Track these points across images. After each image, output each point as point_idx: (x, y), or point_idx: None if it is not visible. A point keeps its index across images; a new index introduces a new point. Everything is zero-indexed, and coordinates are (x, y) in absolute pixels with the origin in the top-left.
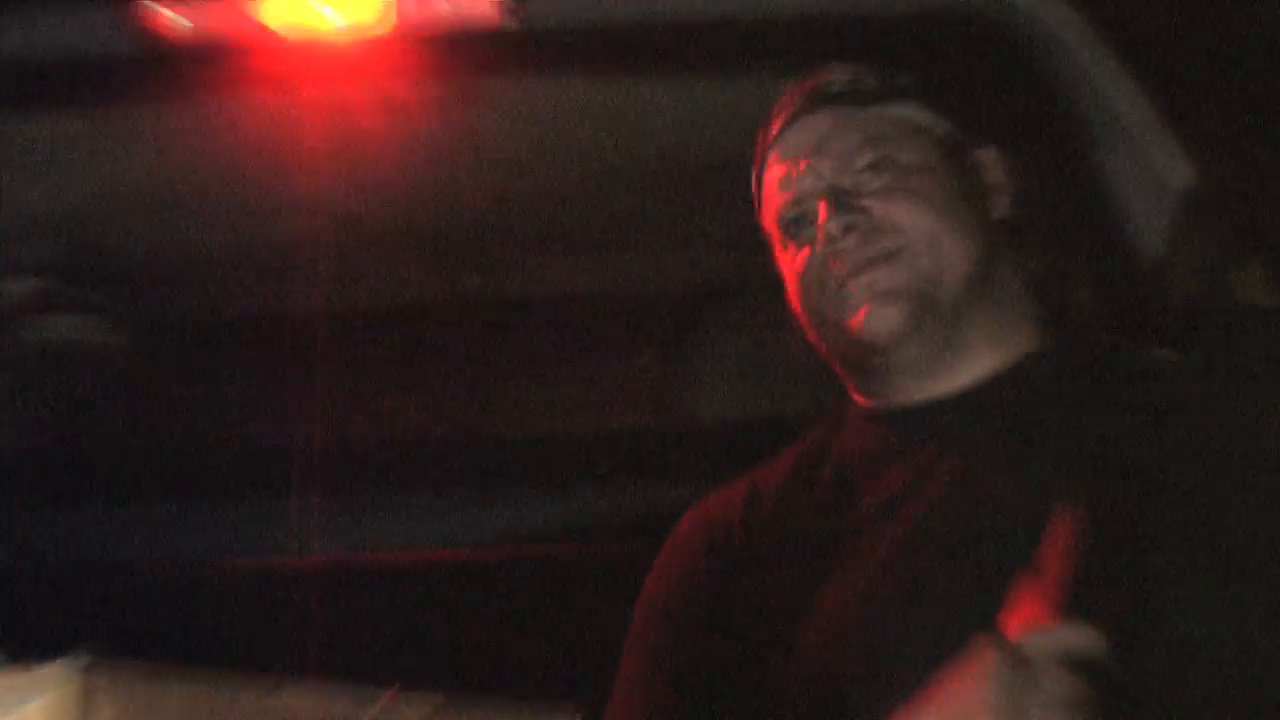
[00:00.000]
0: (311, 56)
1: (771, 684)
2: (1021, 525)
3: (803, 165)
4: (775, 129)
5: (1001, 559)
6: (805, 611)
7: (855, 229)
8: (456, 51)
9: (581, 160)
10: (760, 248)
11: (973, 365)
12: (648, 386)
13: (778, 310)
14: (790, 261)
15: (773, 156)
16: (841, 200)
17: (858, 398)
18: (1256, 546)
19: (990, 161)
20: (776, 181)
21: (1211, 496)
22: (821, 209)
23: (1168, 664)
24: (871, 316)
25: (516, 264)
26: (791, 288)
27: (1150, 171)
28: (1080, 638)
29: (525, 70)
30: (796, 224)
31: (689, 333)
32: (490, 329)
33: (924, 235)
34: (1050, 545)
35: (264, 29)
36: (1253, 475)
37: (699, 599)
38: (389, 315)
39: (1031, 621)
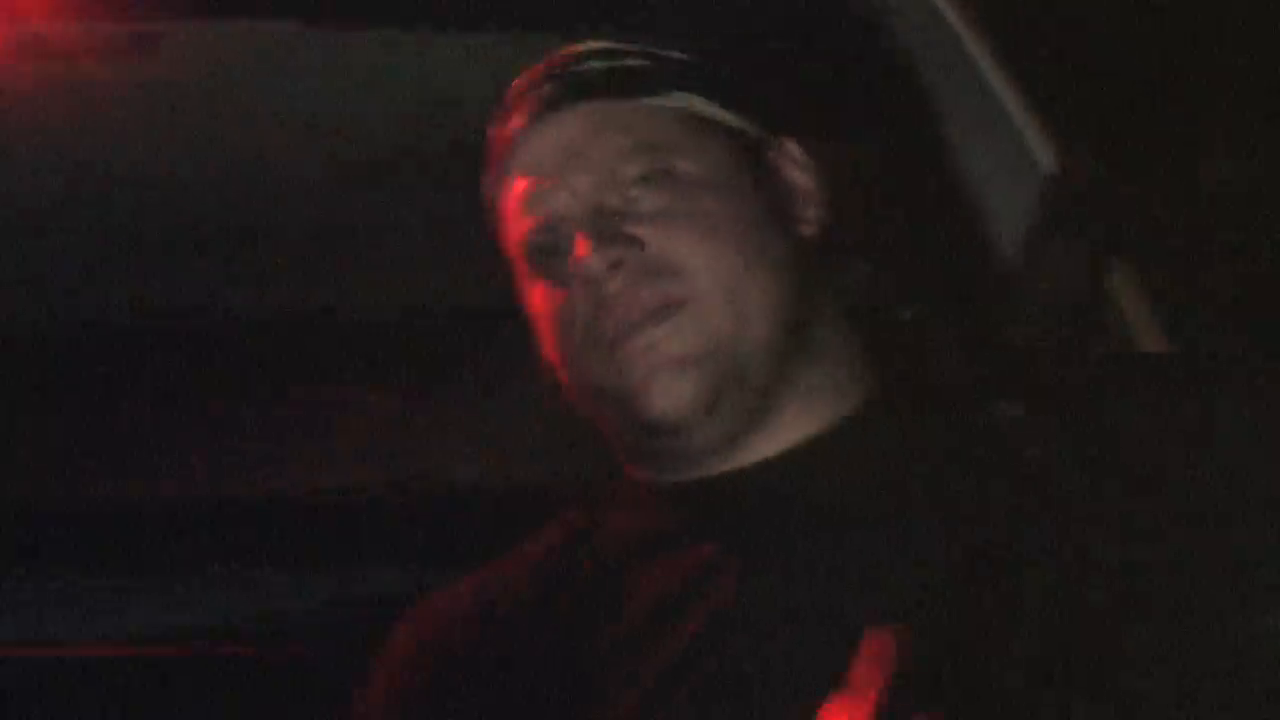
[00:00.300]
0: None
1: None
2: (829, 644)
3: (553, 180)
4: (513, 129)
5: (802, 688)
6: None
7: (623, 267)
8: None
9: (292, 137)
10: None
11: (784, 433)
12: (377, 438)
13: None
14: (539, 302)
15: (512, 165)
16: (604, 229)
17: (630, 469)
18: (1137, 671)
19: (794, 161)
20: (519, 200)
21: (1059, 601)
22: (579, 242)
23: None
24: (655, 390)
25: (197, 270)
26: (543, 333)
27: (1010, 169)
28: None
29: (223, 12)
30: (547, 254)
31: (437, 368)
32: (165, 354)
33: (718, 280)
34: (863, 669)
35: None
36: (1104, 583)
37: None
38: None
39: None
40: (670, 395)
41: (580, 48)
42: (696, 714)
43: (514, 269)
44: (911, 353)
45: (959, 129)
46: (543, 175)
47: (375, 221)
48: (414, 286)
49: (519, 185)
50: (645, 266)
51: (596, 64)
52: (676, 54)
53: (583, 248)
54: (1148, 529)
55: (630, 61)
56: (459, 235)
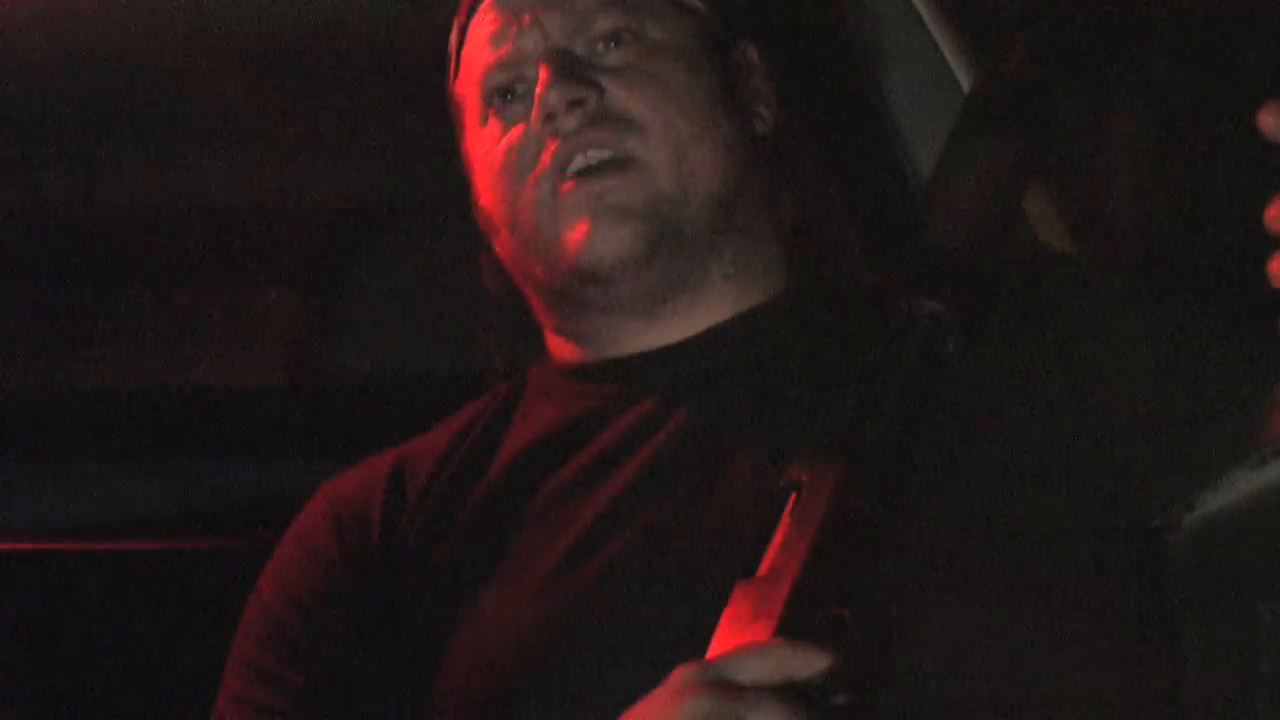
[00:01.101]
0: None
1: (413, 710)
2: (748, 510)
3: (525, 19)
4: None
5: (719, 559)
6: (459, 621)
7: (582, 106)
8: None
9: (191, 26)
10: (434, 156)
11: (709, 307)
12: (278, 331)
13: (453, 235)
14: (488, 144)
15: (485, 3)
16: (570, 68)
17: (555, 347)
18: (1021, 552)
19: (755, 63)
20: (487, 36)
21: (968, 484)
22: (542, 73)
23: (898, 694)
24: (595, 235)
25: (110, 164)
26: (483, 180)
27: (938, 95)
28: (800, 659)
29: None
30: (505, 94)
31: (335, 263)
32: (75, 245)
33: (669, 140)
34: (780, 537)
35: None
36: (1011, 458)
37: (318, 611)
38: None
39: (747, 641)
40: (609, 241)
41: None
42: (633, 559)
43: (460, 119)
44: (830, 254)
45: (876, 37)
46: (518, 13)
47: (278, 119)
48: (310, 183)
49: (491, 22)
50: (603, 112)
51: None
52: None
53: (545, 78)
54: (1026, 413)
55: None
56: (356, 132)
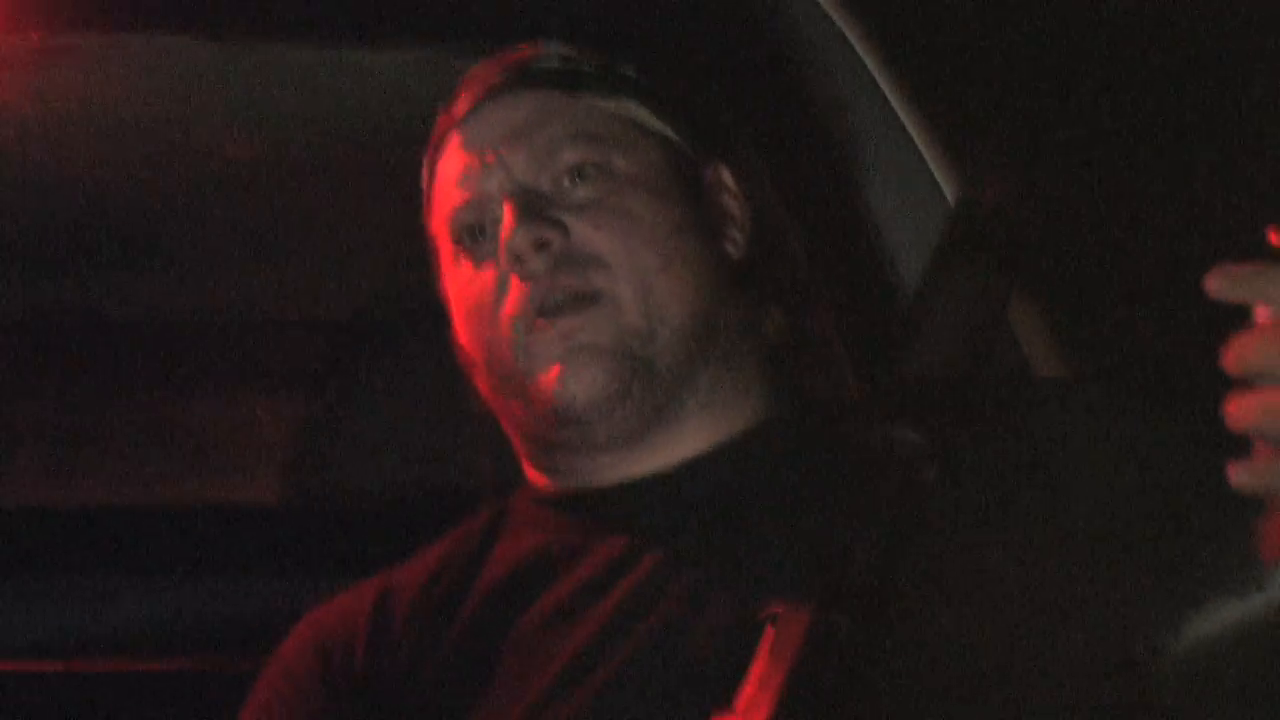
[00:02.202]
0: None
1: None
2: (724, 646)
3: (490, 157)
4: (460, 108)
5: (696, 693)
6: None
7: (548, 248)
8: None
9: (196, 145)
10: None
11: (686, 439)
12: (271, 446)
13: (450, 350)
14: (462, 283)
15: (452, 143)
16: (533, 208)
17: (534, 475)
18: (1000, 687)
19: (725, 184)
20: (455, 175)
21: (947, 618)
22: (506, 215)
23: None
24: (566, 378)
25: (109, 276)
26: (459, 319)
27: (920, 209)
28: None
29: (127, 21)
30: (473, 233)
31: (329, 378)
32: (71, 361)
33: (634, 276)
34: (756, 672)
35: None
36: (990, 592)
37: None
38: None
39: None
40: (581, 382)
41: (536, 49)
42: (611, 695)
43: (435, 256)
44: (812, 376)
45: (867, 158)
46: (482, 152)
47: (273, 229)
48: (314, 296)
49: (457, 161)
50: (568, 253)
51: (549, 63)
52: (626, 69)
53: (509, 221)
54: (1008, 544)
55: (582, 65)
56: (360, 245)
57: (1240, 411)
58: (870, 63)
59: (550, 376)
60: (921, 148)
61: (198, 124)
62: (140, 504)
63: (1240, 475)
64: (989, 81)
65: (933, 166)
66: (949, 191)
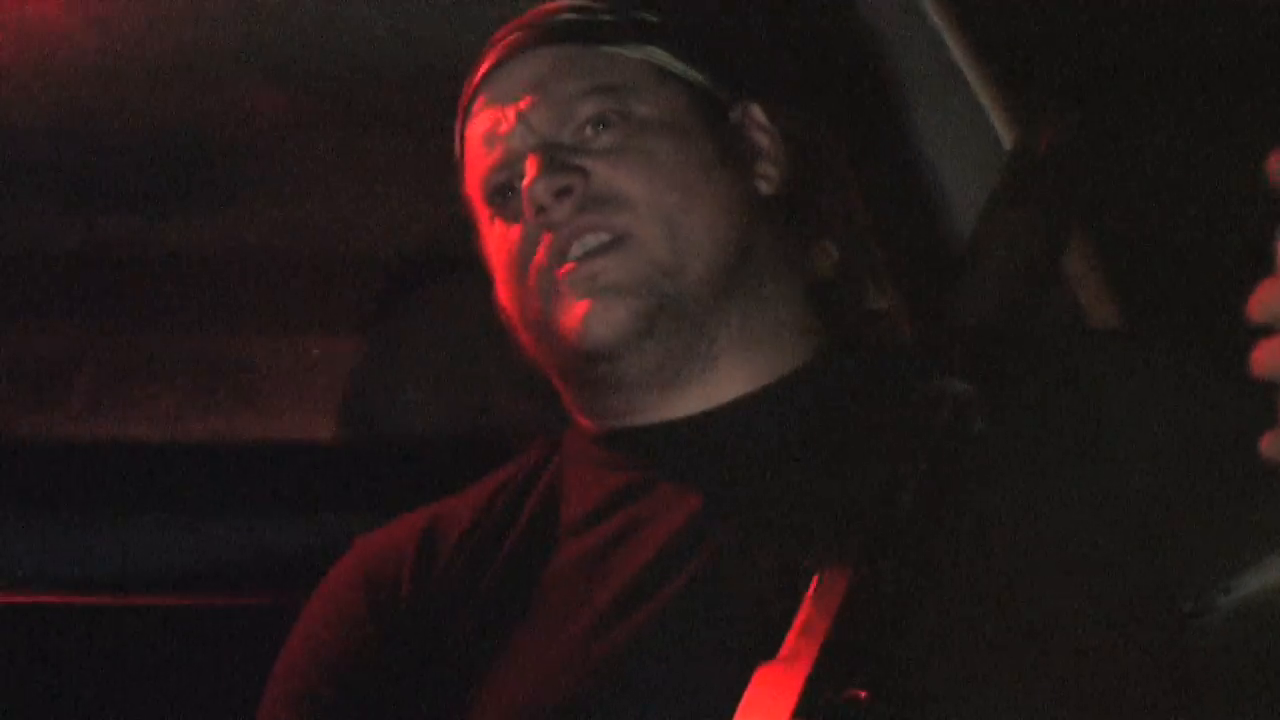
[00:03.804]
0: None
1: None
2: (768, 594)
3: (512, 116)
4: (482, 70)
5: (738, 640)
6: (479, 695)
7: (569, 194)
8: None
9: (265, 81)
10: None
11: (726, 381)
12: (326, 382)
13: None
14: (496, 241)
15: (478, 105)
16: (554, 158)
17: (578, 417)
18: (1046, 638)
19: (756, 122)
20: (481, 137)
21: (992, 569)
22: (529, 168)
23: None
24: (591, 317)
25: (173, 210)
26: (497, 274)
27: (974, 144)
28: None
29: None
30: (503, 192)
31: (386, 314)
32: (133, 288)
33: (657, 213)
34: (800, 621)
35: None
36: (1038, 543)
37: (344, 670)
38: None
39: None
40: (606, 320)
41: (554, 4)
42: (654, 636)
43: (475, 216)
44: (862, 316)
45: (920, 103)
46: (504, 112)
47: (329, 171)
48: (369, 235)
49: (482, 122)
50: (590, 195)
51: (567, 15)
52: (648, 14)
53: (532, 172)
54: (1057, 495)
55: (600, 15)
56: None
57: (1266, 357)
58: (928, 6)
59: (575, 316)
60: (978, 92)
61: (258, 65)
62: (194, 440)
63: (1273, 446)
64: (1046, 27)
65: (989, 112)
66: (1005, 137)
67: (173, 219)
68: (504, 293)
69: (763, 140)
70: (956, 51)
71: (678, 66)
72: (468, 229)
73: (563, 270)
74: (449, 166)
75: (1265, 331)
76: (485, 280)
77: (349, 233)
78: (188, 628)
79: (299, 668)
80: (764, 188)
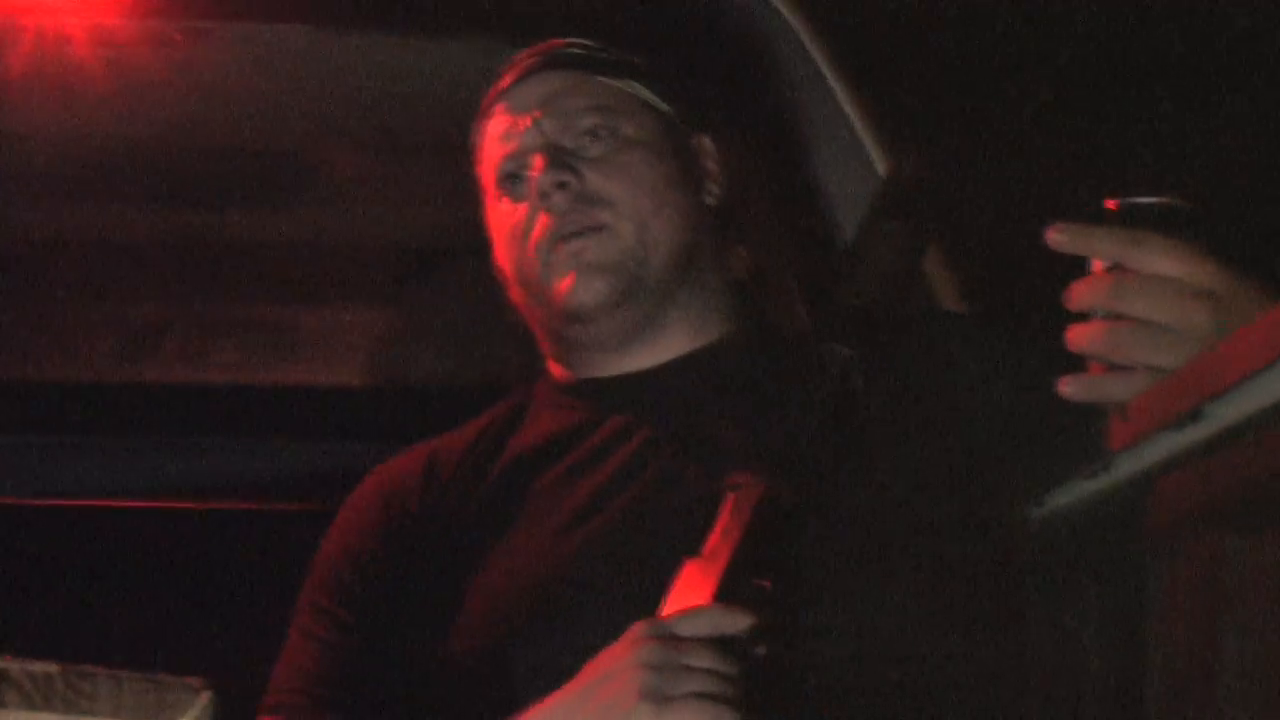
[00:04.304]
0: None
1: (433, 654)
2: (697, 506)
3: (528, 120)
4: (506, 82)
5: (673, 537)
6: (473, 583)
7: (567, 188)
8: None
9: (310, 109)
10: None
11: (669, 345)
12: (357, 342)
13: (492, 274)
14: (502, 218)
15: (498, 108)
16: (558, 158)
17: (554, 369)
18: (908, 541)
19: (706, 149)
20: (499, 134)
21: (867, 489)
22: (537, 162)
23: (808, 647)
24: (577, 286)
25: (238, 207)
26: (499, 245)
27: (856, 172)
28: (731, 619)
29: (251, 13)
30: (513, 179)
31: (405, 290)
32: (208, 270)
33: (632, 214)
34: (720, 526)
35: None
36: (903, 469)
37: (366, 563)
38: (104, 250)
39: (690, 604)
40: (588, 290)
41: (564, 40)
42: (608, 537)
43: (482, 196)
44: (770, 302)
45: (813, 136)
46: (521, 114)
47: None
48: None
49: (501, 122)
50: (583, 193)
51: (575, 50)
52: (635, 58)
53: (539, 165)
54: (917, 434)
55: (599, 53)
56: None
57: (1077, 338)
58: (820, 61)
59: (565, 284)
60: (859, 129)
61: (300, 101)
62: (257, 383)
63: (1068, 387)
64: (914, 79)
65: (867, 144)
66: (880, 165)
67: (236, 214)
68: (503, 257)
69: (709, 163)
70: (841, 94)
71: (653, 99)
72: (465, 225)
73: (555, 249)
74: (451, 181)
75: (1078, 317)
76: (480, 264)
77: (375, 227)
78: (250, 530)
79: (332, 564)
80: (708, 200)
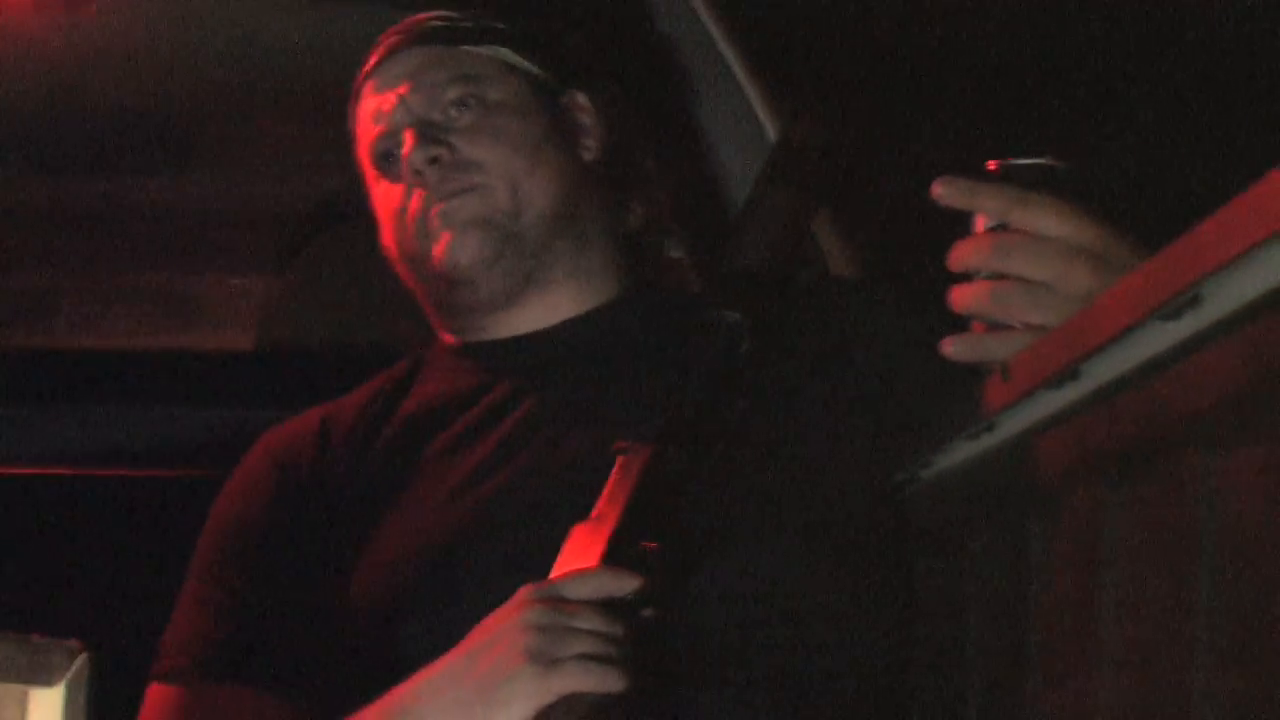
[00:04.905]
0: None
1: (324, 620)
2: (585, 469)
3: (394, 98)
4: (371, 63)
5: (561, 501)
6: (365, 548)
7: (439, 162)
8: None
9: (206, 74)
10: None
11: (555, 306)
12: (249, 308)
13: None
14: (382, 198)
15: (367, 89)
16: (427, 133)
17: (443, 335)
18: (795, 503)
19: (581, 105)
20: (370, 115)
21: (755, 452)
22: (407, 139)
23: (697, 608)
24: (452, 245)
25: (127, 173)
26: (383, 225)
27: (745, 133)
28: (618, 582)
29: None
30: (386, 158)
31: (296, 256)
32: (98, 238)
33: (504, 173)
34: (608, 490)
35: None
36: (790, 433)
37: (258, 528)
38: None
39: (578, 568)
40: (463, 248)
41: (424, 14)
42: (499, 501)
43: (364, 175)
44: (660, 267)
45: (703, 99)
46: (387, 92)
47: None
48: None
49: (371, 104)
50: (455, 163)
51: (435, 23)
52: (499, 22)
53: (409, 144)
54: (804, 398)
55: (461, 23)
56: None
57: (960, 298)
58: (709, 22)
59: (441, 246)
60: (750, 95)
61: (189, 65)
62: (151, 349)
63: (950, 347)
64: (805, 44)
65: (758, 109)
66: (771, 129)
67: (124, 180)
68: (386, 235)
69: (585, 119)
70: (732, 59)
71: (520, 62)
72: (357, 191)
73: (430, 215)
74: (343, 144)
75: (961, 278)
76: (371, 230)
77: (267, 192)
78: (143, 496)
79: (224, 530)
80: (586, 156)
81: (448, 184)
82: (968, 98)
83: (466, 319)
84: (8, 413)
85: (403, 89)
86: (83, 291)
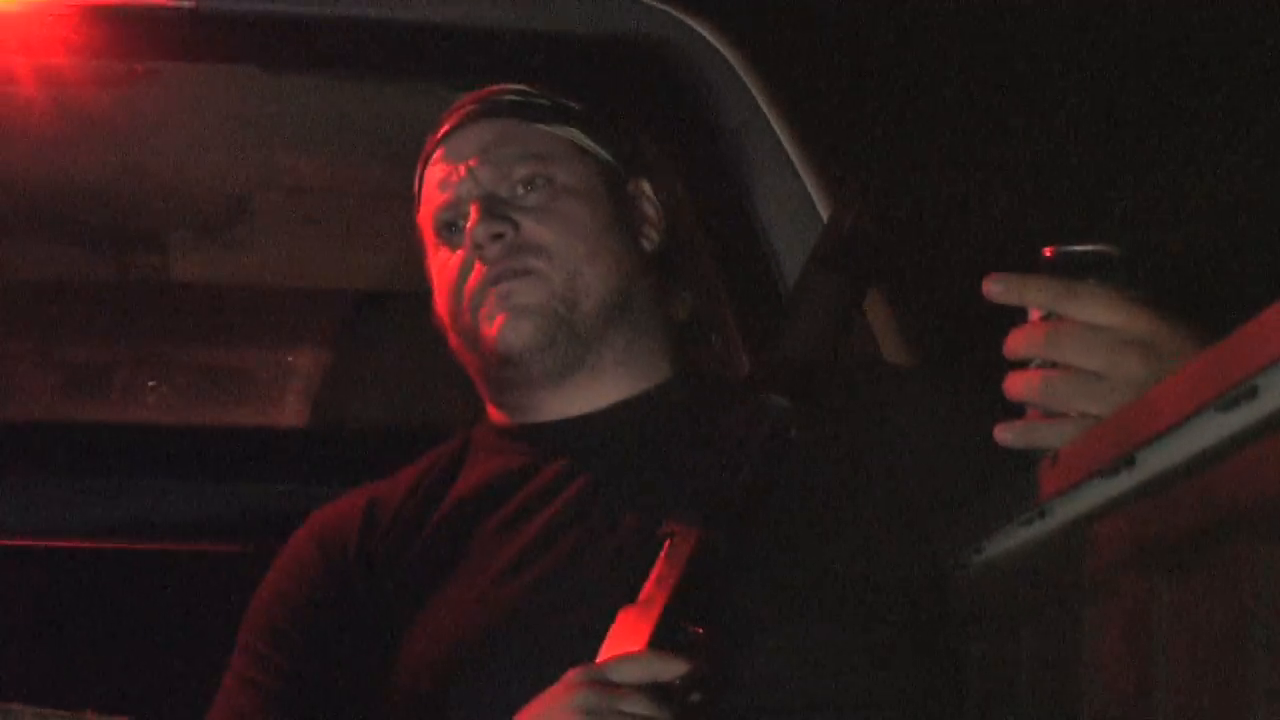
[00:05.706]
0: None
1: (369, 701)
2: (633, 553)
3: (463, 169)
4: (442, 130)
5: (609, 584)
6: (412, 630)
7: (502, 239)
8: (125, 27)
9: (253, 151)
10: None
11: (606, 389)
12: (301, 384)
13: (431, 318)
14: (440, 266)
15: (436, 156)
16: (493, 208)
17: (492, 414)
18: (842, 587)
19: (645, 194)
20: (437, 182)
21: (802, 537)
22: (473, 212)
23: (743, 693)
24: (505, 328)
25: (183, 248)
26: (438, 293)
27: (800, 221)
28: (665, 666)
29: (198, 55)
30: (449, 227)
31: (347, 333)
32: (151, 312)
33: (565, 260)
34: (655, 574)
35: None
36: (836, 518)
37: (304, 611)
38: (49, 293)
39: (625, 651)
40: (516, 332)
41: (500, 87)
42: (547, 585)
43: (423, 242)
44: (710, 349)
45: (758, 184)
46: (457, 163)
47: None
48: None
49: (439, 171)
50: (517, 243)
51: (510, 97)
52: (573, 103)
53: (475, 217)
54: (851, 483)
55: (536, 100)
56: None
57: (1013, 386)
58: (765, 107)
59: (494, 327)
60: (804, 178)
61: (246, 143)
62: (199, 424)
63: (1003, 434)
64: (860, 127)
65: (811, 193)
66: (822, 213)
67: (180, 255)
68: (440, 304)
69: (648, 208)
70: (786, 142)
71: (590, 145)
72: (409, 275)
73: (488, 294)
74: (395, 224)
75: (1016, 365)
76: (426, 309)
77: (318, 269)
78: (190, 572)
79: (270, 608)
80: (646, 246)
81: (508, 263)
82: (1025, 180)
83: (516, 396)
84: (60, 485)
85: (473, 161)
86: (136, 365)
